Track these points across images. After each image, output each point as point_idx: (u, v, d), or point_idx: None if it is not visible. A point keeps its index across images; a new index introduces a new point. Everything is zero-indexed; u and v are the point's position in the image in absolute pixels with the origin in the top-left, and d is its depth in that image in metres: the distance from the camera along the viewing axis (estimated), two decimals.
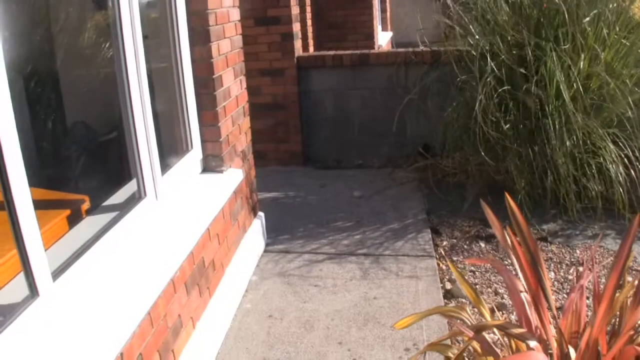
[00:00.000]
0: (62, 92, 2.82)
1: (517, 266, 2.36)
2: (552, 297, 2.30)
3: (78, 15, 2.98)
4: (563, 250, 4.20)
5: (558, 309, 2.54)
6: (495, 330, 2.43)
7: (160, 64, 3.31)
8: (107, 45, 2.96)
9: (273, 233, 4.56)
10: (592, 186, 4.39)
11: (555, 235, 4.42)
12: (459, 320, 2.45)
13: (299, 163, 6.35)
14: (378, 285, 3.76)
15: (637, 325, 2.13)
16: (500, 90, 4.54)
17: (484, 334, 2.30)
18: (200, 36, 3.45)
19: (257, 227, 4.24)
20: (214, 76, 3.52)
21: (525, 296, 2.27)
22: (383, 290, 3.70)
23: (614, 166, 4.30)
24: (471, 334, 2.16)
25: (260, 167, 4.50)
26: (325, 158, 6.34)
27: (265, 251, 4.33)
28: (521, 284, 2.31)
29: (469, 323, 2.36)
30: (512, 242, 2.24)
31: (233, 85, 3.86)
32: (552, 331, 2.16)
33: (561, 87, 4.39)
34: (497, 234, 2.46)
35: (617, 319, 2.24)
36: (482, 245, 4.35)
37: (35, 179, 2.01)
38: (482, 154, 4.57)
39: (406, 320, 2.36)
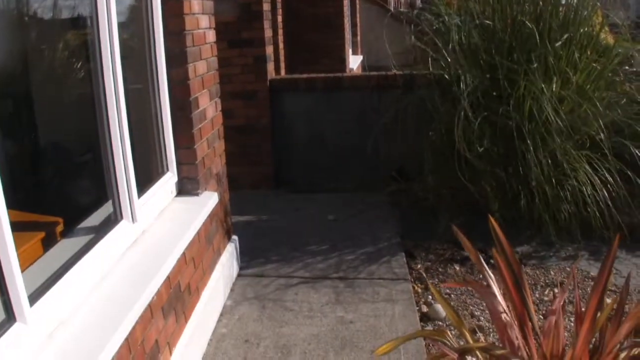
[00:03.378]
0: (36, 113, 2.78)
1: (494, 288, 2.36)
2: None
3: (53, 35, 2.95)
4: (537, 272, 4.23)
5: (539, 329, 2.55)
6: (477, 352, 2.42)
7: (136, 85, 3.27)
8: (82, 66, 2.93)
9: (247, 257, 4.51)
10: (566, 207, 4.43)
11: (529, 257, 4.45)
12: (440, 343, 2.43)
13: (272, 186, 6.31)
14: (354, 309, 3.74)
15: (619, 344, 2.14)
16: (475, 114, 4.57)
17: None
18: (177, 57, 3.42)
19: (231, 250, 4.19)
20: (190, 98, 3.50)
21: (506, 317, 2.27)
22: (359, 314, 3.68)
23: (588, 188, 4.35)
24: (455, 356, 2.15)
25: (233, 190, 4.46)
26: (299, 181, 6.30)
27: (239, 275, 4.29)
28: (501, 306, 2.31)
29: (451, 346, 2.35)
30: (497, 263, 2.24)
31: (209, 108, 3.84)
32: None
33: (534, 110, 4.44)
34: (472, 257, 2.46)
35: (597, 339, 2.25)
36: (457, 267, 4.36)
37: (8, 200, 1.96)
38: (459, 175, 4.59)
39: (387, 345, 2.34)
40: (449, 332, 2.50)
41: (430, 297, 3.94)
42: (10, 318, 1.93)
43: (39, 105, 2.73)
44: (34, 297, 2.05)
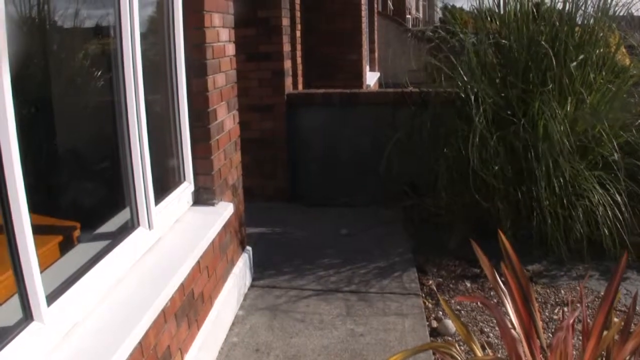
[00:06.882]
0: (58, 120, 2.83)
1: (507, 304, 2.39)
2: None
3: (76, 44, 3.01)
4: (548, 291, 4.24)
5: (547, 347, 2.57)
6: None
7: (156, 95, 3.33)
8: (104, 75, 2.99)
9: (259, 268, 4.55)
10: (577, 228, 4.43)
11: (540, 275, 4.46)
12: (449, 357, 2.46)
13: (285, 199, 6.35)
14: (364, 322, 3.77)
15: None
16: (488, 132, 4.60)
17: None
18: (197, 69, 3.49)
19: (244, 261, 4.24)
20: (208, 109, 3.56)
21: (514, 333, 2.29)
22: (369, 328, 3.70)
23: (600, 208, 4.36)
24: None
25: (247, 202, 4.50)
26: (312, 195, 6.34)
27: (252, 286, 4.33)
28: (510, 322, 2.33)
29: None
30: (505, 279, 2.27)
31: (226, 119, 3.90)
32: None
33: (549, 129, 4.46)
34: (487, 272, 2.49)
35: (604, 358, 2.27)
36: (468, 284, 4.38)
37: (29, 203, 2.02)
38: (473, 192, 4.60)
39: (396, 356, 2.36)
40: (457, 345, 2.53)
41: (440, 312, 3.96)
42: (28, 317, 1.99)
43: (61, 113, 2.79)
44: (51, 298, 2.10)
